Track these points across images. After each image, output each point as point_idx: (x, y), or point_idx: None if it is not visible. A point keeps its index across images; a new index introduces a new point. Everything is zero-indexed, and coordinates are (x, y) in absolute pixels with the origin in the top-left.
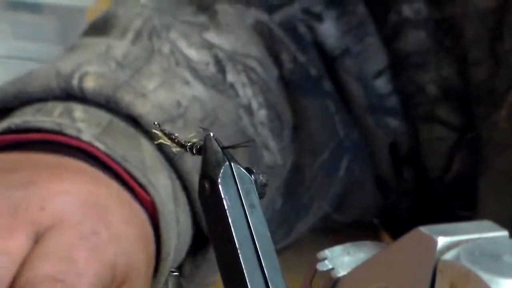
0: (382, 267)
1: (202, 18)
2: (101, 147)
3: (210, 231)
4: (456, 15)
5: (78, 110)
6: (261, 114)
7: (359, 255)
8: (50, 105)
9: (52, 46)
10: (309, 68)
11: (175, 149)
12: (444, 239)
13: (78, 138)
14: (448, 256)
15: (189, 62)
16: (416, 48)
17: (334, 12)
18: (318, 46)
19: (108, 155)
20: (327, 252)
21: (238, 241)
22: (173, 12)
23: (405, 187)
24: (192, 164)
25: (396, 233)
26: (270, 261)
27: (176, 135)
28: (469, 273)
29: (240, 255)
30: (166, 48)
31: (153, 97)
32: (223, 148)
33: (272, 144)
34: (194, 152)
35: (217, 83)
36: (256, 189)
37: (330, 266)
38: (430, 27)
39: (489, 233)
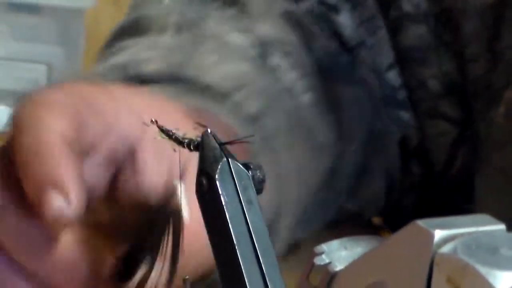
0: (379, 261)
1: (232, 11)
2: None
3: (208, 228)
4: (455, 9)
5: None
6: (306, 97)
7: (356, 249)
8: None
9: (51, 47)
10: (338, 55)
11: (172, 145)
12: (441, 232)
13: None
14: (445, 249)
15: (231, 46)
16: (417, 44)
17: (348, 4)
18: (337, 36)
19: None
20: (324, 247)
21: (235, 237)
22: (199, 8)
23: (411, 183)
24: (275, 129)
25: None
26: (268, 257)
27: (174, 131)
28: (466, 266)
29: (237, 252)
30: (209, 34)
31: (215, 70)
32: (220, 144)
33: (320, 127)
34: (192, 148)
35: (259, 66)
36: (254, 185)
37: (327, 261)
38: (430, 21)
39: (486, 226)
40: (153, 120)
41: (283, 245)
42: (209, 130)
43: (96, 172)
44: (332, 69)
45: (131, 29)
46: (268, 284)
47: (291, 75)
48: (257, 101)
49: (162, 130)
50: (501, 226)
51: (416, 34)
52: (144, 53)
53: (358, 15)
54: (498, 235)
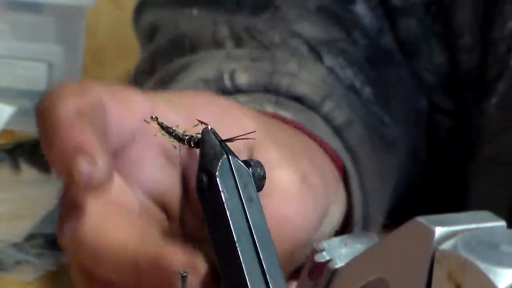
0: (380, 258)
1: (266, 15)
2: (287, 115)
3: (208, 225)
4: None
5: (242, 97)
6: (366, 92)
7: (357, 246)
8: None
9: (52, 46)
10: (378, 40)
11: (173, 142)
12: (442, 229)
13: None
14: (446, 246)
15: (297, 51)
16: (408, 37)
17: None
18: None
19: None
20: (324, 244)
21: (236, 234)
22: (235, 16)
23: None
24: (358, 139)
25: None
26: (268, 254)
27: (174, 128)
28: (466, 263)
29: (238, 248)
30: (276, 39)
31: (303, 77)
32: (221, 141)
33: (386, 119)
34: (192, 145)
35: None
36: (254, 182)
37: (328, 258)
38: (419, 12)
39: (487, 223)
40: (153, 117)
41: None
42: (209, 127)
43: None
44: (375, 54)
45: (176, 48)
46: (268, 280)
47: (348, 73)
48: (342, 110)
49: (162, 127)
50: (502, 223)
51: (407, 27)
52: (227, 65)
53: (369, 5)
54: (499, 232)
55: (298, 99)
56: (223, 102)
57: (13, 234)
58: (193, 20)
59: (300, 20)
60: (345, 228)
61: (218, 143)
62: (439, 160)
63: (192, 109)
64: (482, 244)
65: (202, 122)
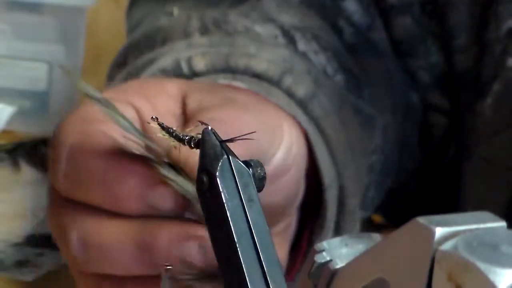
0: (380, 258)
1: (245, 7)
2: (242, 85)
3: (208, 225)
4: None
5: (199, 79)
6: (338, 79)
7: (357, 247)
8: None
9: (52, 46)
10: (366, 34)
11: (173, 142)
12: (442, 229)
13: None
14: (446, 246)
15: (262, 37)
16: (404, 36)
17: None
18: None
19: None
20: (325, 244)
21: (236, 235)
22: (213, 10)
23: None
24: (323, 110)
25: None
26: (268, 255)
27: (174, 128)
28: (467, 263)
29: (238, 249)
30: (240, 27)
31: (261, 56)
32: (221, 141)
33: (359, 102)
34: (192, 145)
35: (293, 51)
36: (255, 182)
37: (328, 258)
38: (415, 11)
39: (487, 223)
40: (154, 117)
41: (355, 224)
42: (209, 127)
43: None
44: (360, 43)
45: (148, 42)
46: (269, 280)
47: (321, 58)
48: (304, 84)
49: (163, 127)
50: (502, 223)
51: (403, 26)
52: (185, 53)
53: (361, 2)
54: (499, 232)
55: (257, 77)
56: (152, 79)
57: (13, 234)
58: (172, 18)
59: (278, 9)
60: (320, 198)
61: (218, 143)
62: (435, 160)
63: (123, 91)
64: (483, 245)
65: (202, 123)
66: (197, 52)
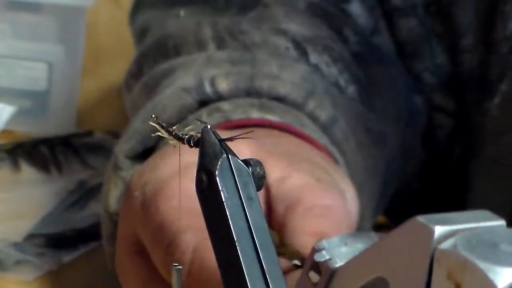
0: (380, 257)
1: (253, 14)
2: (274, 118)
3: (208, 224)
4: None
5: (225, 105)
6: (350, 90)
7: (357, 246)
8: (197, 115)
9: (52, 46)
10: (371, 39)
11: (172, 141)
12: (441, 228)
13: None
14: (445, 245)
15: (279, 50)
16: (408, 37)
17: None
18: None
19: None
20: (324, 243)
21: (236, 234)
22: (222, 16)
23: (417, 167)
24: (343, 134)
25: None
26: (268, 254)
27: (174, 128)
28: (466, 262)
29: (238, 248)
30: (257, 39)
31: (284, 77)
32: (220, 140)
33: (370, 116)
34: (192, 144)
35: (308, 66)
36: (254, 181)
37: (327, 257)
38: (420, 13)
39: (487, 222)
40: (153, 116)
41: None
42: (208, 126)
43: None
44: (365, 51)
45: (160, 50)
46: (268, 279)
47: (333, 70)
48: (326, 108)
49: (162, 126)
50: (502, 222)
51: (407, 27)
52: (207, 70)
53: (366, 5)
54: (499, 231)
55: (281, 100)
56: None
57: (13, 234)
58: (179, 21)
59: (287, 18)
60: None
61: (217, 142)
62: (441, 161)
63: None
64: (482, 244)
65: (201, 122)
66: (220, 72)
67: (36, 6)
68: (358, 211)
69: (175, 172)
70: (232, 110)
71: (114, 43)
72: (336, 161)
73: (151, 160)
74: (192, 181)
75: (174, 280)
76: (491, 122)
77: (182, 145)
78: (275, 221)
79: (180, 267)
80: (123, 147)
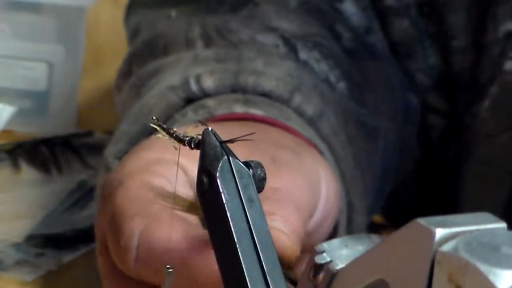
0: (380, 259)
1: (244, 13)
2: (259, 112)
3: (209, 226)
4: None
5: (210, 101)
6: (341, 86)
7: (358, 248)
8: (182, 112)
9: (52, 46)
10: (364, 37)
11: (173, 143)
12: (442, 230)
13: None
14: (446, 247)
15: (266, 47)
16: (402, 38)
17: None
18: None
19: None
20: (325, 245)
21: (236, 235)
22: (212, 16)
23: (413, 167)
24: (331, 128)
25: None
26: (268, 255)
27: (174, 129)
28: (467, 265)
29: (238, 250)
30: (244, 36)
31: (269, 73)
32: (221, 142)
33: (362, 111)
34: (193, 146)
35: (296, 62)
36: (255, 183)
37: (328, 259)
38: (413, 13)
39: (487, 224)
40: (153, 118)
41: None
42: (209, 128)
43: None
44: (358, 47)
45: (150, 50)
46: (269, 281)
47: (323, 67)
48: (312, 102)
49: (163, 128)
50: (502, 225)
51: (400, 28)
52: (193, 69)
53: (359, 4)
54: (499, 234)
55: (266, 95)
56: None
57: (13, 234)
58: (170, 21)
59: (277, 16)
60: None
61: (218, 144)
62: (434, 161)
63: None
64: (483, 246)
65: (202, 123)
66: (205, 69)
67: (36, 6)
68: (341, 198)
69: (138, 168)
70: (217, 106)
71: (114, 43)
72: (321, 153)
73: (122, 159)
74: (154, 176)
75: (166, 283)
76: (482, 125)
77: (151, 142)
78: None
79: (171, 270)
80: (112, 149)
